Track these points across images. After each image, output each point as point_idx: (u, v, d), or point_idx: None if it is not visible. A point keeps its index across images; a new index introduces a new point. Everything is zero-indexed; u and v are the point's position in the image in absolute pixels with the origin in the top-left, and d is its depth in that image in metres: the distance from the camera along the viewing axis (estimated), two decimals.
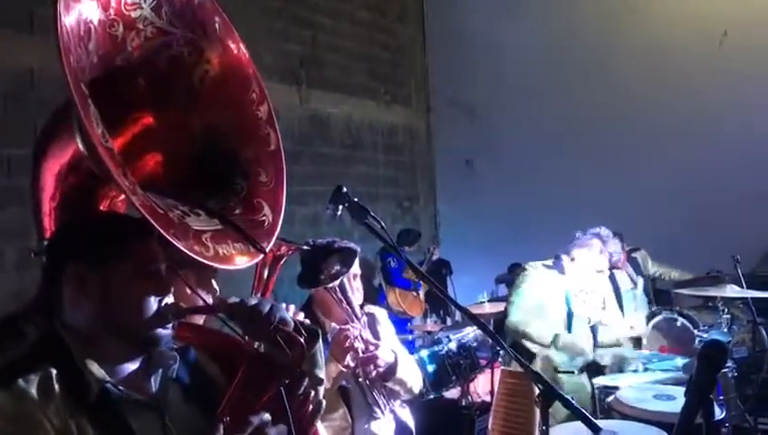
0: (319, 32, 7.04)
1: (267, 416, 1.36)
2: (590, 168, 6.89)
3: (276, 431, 1.37)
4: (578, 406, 1.78)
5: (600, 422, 2.49)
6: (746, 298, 4.18)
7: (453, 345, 4.56)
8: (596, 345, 4.18)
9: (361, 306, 2.70)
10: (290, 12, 6.70)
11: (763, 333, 4.26)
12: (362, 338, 2.55)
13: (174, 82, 1.62)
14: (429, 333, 5.93)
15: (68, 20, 1.29)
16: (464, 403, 4.77)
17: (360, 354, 2.53)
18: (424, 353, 4.50)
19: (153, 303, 1.37)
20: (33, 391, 1.24)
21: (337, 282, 2.52)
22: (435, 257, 7.22)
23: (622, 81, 6.92)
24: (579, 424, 1.81)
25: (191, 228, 1.46)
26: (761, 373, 4.28)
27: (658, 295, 5.86)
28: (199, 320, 1.75)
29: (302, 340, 1.45)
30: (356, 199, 1.92)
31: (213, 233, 1.50)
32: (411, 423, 2.73)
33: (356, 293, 2.64)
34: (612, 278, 5.41)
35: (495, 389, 3.68)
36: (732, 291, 4.23)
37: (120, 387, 1.34)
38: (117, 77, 1.49)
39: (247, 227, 1.60)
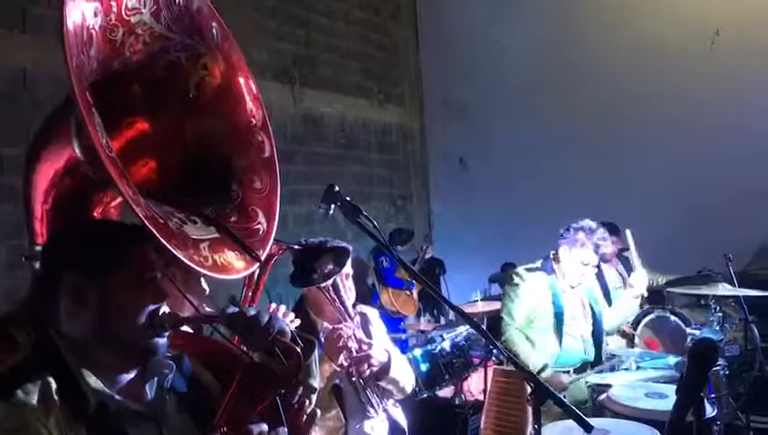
0: (312, 31, 7.03)
1: (265, 426, 1.37)
2: (582, 167, 6.90)
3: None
4: (570, 405, 1.79)
5: (592, 420, 2.50)
6: (738, 296, 4.20)
7: (446, 344, 4.56)
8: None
9: (353, 306, 2.70)
10: (283, 10, 6.69)
11: (755, 331, 4.27)
12: (356, 337, 2.55)
13: (170, 88, 1.62)
14: (423, 332, 5.94)
15: (72, 26, 1.29)
16: (457, 402, 4.78)
17: (354, 354, 2.54)
18: (417, 352, 4.51)
19: (150, 311, 1.37)
20: (34, 402, 1.24)
21: (330, 281, 2.52)
22: (427, 256, 7.22)
23: (615, 80, 6.93)
24: (571, 422, 1.82)
25: (190, 237, 1.47)
26: (752, 371, 4.30)
27: (650, 294, 5.87)
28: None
29: (299, 350, 1.45)
30: (348, 198, 1.92)
31: (210, 242, 1.50)
32: (404, 422, 2.74)
33: (348, 292, 2.65)
34: (600, 274, 5.43)
35: (488, 388, 3.69)
36: (724, 289, 4.26)
37: (118, 397, 1.34)
38: (114, 82, 1.49)
39: (243, 235, 1.60)
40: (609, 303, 5.34)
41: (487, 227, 7.43)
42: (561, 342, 3.92)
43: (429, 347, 4.63)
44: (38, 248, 1.54)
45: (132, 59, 1.50)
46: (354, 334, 2.55)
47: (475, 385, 5.05)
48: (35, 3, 4.20)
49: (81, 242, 1.38)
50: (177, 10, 1.55)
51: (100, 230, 1.47)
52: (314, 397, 1.58)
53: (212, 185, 1.66)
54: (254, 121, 1.73)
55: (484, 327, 2.74)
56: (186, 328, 1.68)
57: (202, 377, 1.53)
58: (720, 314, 4.59)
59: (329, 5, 7.31)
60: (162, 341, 1.39)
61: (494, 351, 4.09)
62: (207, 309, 1.78)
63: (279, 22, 6.63)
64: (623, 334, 5.13)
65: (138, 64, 1.52)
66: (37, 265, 1.47)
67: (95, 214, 1.58)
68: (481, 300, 5.50)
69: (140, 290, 1.37)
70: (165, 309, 1.40)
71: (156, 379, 1.41)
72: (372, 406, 2.58)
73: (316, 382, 1.61)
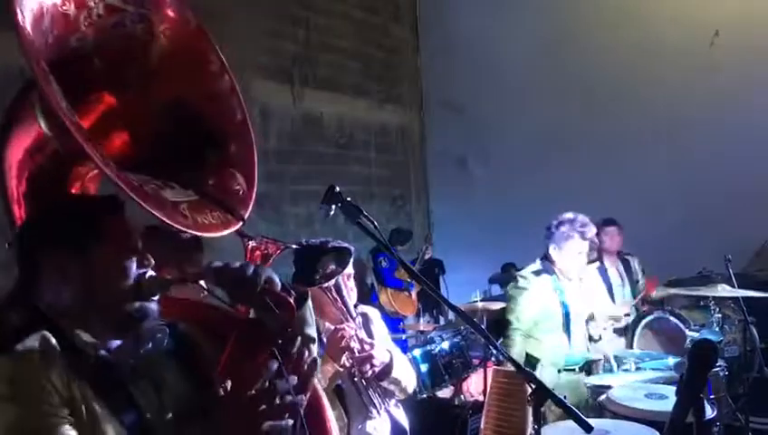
0: (312, 31, 7.03)
1: (274, 366, 1.35)
2: (581, 167, 6.91)
3: (287, 383, 1.35)
4: (570, 405, 1.79)
5: (592, 421, 2.50)
6: (737, 298, 4.20)
7: (446, 345, 4.57)
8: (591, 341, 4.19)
9: (355, 306, 2.70)
10: (283, 10, 6.69)
11: (754, 332, 4.28)
12: (358, 338, 2.55)
13: (130, 60, 1.60)
14: (422, 332, 5.94)
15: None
16: (456, 402, 4.78)
17: (356, 354, 2.54)
18: (417, 353, 4.51)
19: (135, 276, 1.37)
20: (34, 354, 1.23)
21: (332, 281, 2.52)
22: (427, 257, 7.22)
23: (615, 81, 6.94)
24: (571, 423, 1.82)
25: (168, 200, 1.46)
26: (752, 372, 4.31)
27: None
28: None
29: (290, 300, 1.44)
30: (349, 199, 1.92)
31: (189, 203, 1.50)
32: (406, 423, 2.74)
33: (350, 292, 2.65)
34: (603, 270, 5.45)
35: (488, 388, 3.69)
36: (723, 290, 4.26)
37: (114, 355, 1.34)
38: (72, 59, 1.47)
39: (222, 196, 1.60)
40: (613, 299, 5.39)
41: (487, 227, 7.43)
42: (570, 340, 3.93)
43: (429, 347, 4.64)
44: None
45: (88, 34, 1.49)
46: (356, 335, 2.55)
47: (475, 386, 5.05)
48: None
49: (55, 221, 1.38)
50: None
51: (73, 206, 1.47)
52: (314, 346, 1.57)
53: (186, 152, 1.65)
54: (222, 86, 1.72)
55: (483, 327, 2.74)
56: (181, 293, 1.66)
57: (198, 342, 1.52)
58: (719, 316, 4.59)
59: (329, 6, 7.31)
60: (152, 306, 1.38)
61: (494, 351, 4.09)
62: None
63: (279, 22, 6.63)
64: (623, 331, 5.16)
65: (94, 38, 1.51)
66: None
67: (72, 190, 1.56)
68: (480, 300, 5.51)
69: (122, 257, 1.36)
70: (150, 273, 1.40)
71: (150, 345, 1.40)
72: (374, 406, 2.58)
73: (313, 331, 1.58)
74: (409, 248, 7.31)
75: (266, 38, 6.47)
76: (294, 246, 2.51)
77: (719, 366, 3.70)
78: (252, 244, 2.33)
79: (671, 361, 3.98)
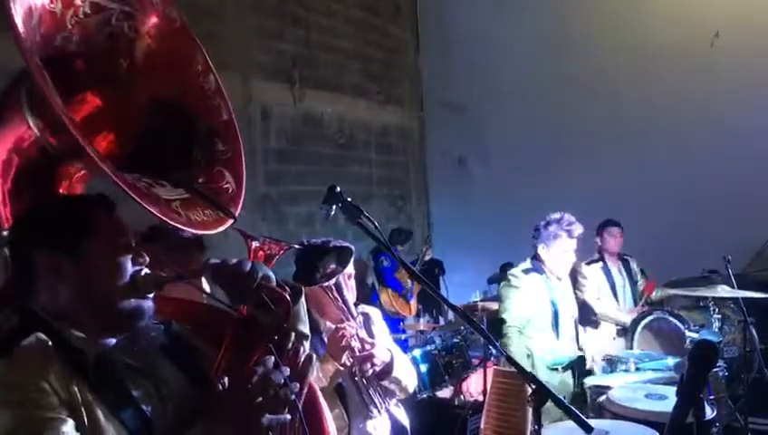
0: (312, 31, 7.04)
1: (270, 362, 1.35)
2: (581, 167, 6.91)
3: (281, 374, 1.35)
4: (570, 406, 1.79)
5: (592, 422, 2.50)
6: (737, 298, 4.20)
7: (445, 345, 4.57)
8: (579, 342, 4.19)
9: (355, 305, 2.70)
10: (284, 11, 6.70)
11: (754, 332, 4.28)
12: (358, 337, 2.55)
13: (116, 59, 1.61)
14: (422, 332, 5.95)
15: None
16: (456, 403, 4.78)
17: (357, 353, 2.54)
18: (417, 353, 4.52)
19: (130, 274, 1.37)
20: (31, 356, 1.23)
21: (333, 281, 2.52)
22: (427, 258, 7.23)
23: (614, 81, 6.94)
24: (571, 424, 1.82)
25: (160, 197, 1.47)
26: (751, 373, 4.31)
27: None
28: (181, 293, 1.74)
29: (286, 296, 1.45)
30: (349, 199, 1.93)
31: (181, 201, 1.51)
32: (406, 422, 2.74)
33: (351, 292, 2.65)
34: (606, 270, 5.47)
35: (488, 388, 3.69)
36: (723, 291, 4.26)
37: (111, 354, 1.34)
38: (58, 58, 1.47)
39: (212, 194, 1.61)
40: (617, 299, 5.41)
41: (486, 227, 7.43)
42: (558, 338, 3.96)
43: (429, 347, 4.64)
44: (5, 234, 1.52)
45: (73, 32, 1.49)
46: (357, 334, 2.55)
47: (475, 386, 5.05)
48: None
49: (47, 221, 1.37)
50: None
51: (65, 205, 1.47)
52: (307, 343, 1.57)
53: (174, 151, 1.66)
54: (207, 85, 1.72)
55: (483, 327, 2.73)
56: (176, 292, 1.66)
57: (194, 340, 1.53)
58: (719, 316, 4.59)
59: (329, 6, 7.32)
60: (147, 304, 1.38)
61: (494, 351, 4.10)
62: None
63: (279, 22, 6.64)
64: (623, 332, 5.17)
65: (80, 38, 1.51)
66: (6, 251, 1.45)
67: (60, 189, 1.56)
68: (480, 300, 5.51)
69: (116, 255, 1.36)
70: (145, 270, 1.40)
71: (145, 342, 1.41)
72: (375, 406, 2.58)
73: (306, 328, 1.59)
74: (409, 249, 7.31)
75: (267, 39, 6.48)
76: (297, 247, 2.52)
77: (719, 367, 3.71)
78: (255, 244, 2.33)
79: (671, 361, 3.98)
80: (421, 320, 6.93)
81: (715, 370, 3.63)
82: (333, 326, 2.58)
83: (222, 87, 1.73)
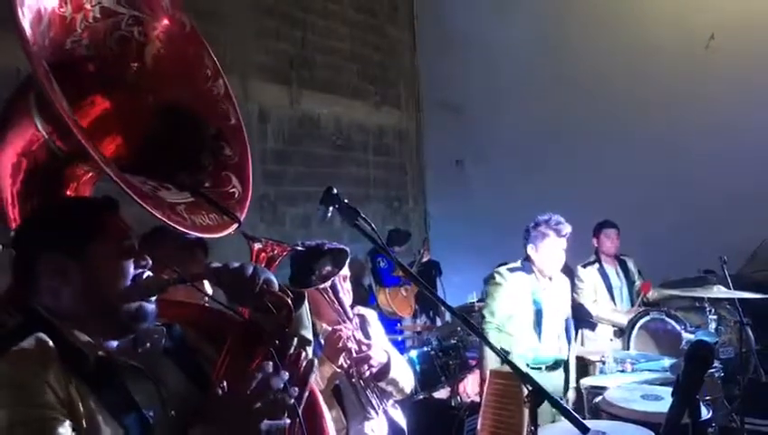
0: (309, 32, 7.04)
1: (269, 368, 1.35)
2: (578, 168, 6.93)
3: (281, 379, 1.35)
4: (567, 406, 1.80)
5: (588, 422, 2.50)
6: (733, 299, 4.21)
7: (442, 346, 4.58)
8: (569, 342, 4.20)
9: (351, 307, 2.70)
10: (281, 12, 6.70)
11: (750, 333, 4.29)
12: (355, 338, 2.55)
13: (125, 64, 1.61)
14: (419, 333, 5.96)
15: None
16: (453, 403, 4.79)
17: (354, 355, 2.54)
18: (413, 354, 4.52)
19: (134, 277, 1.37)
20: (30, 356, 1.23)
21: (328, 283, 2.52)
22: (425, 259, 7.23)
23: (611, 83, 6.96)
24: (567, 424, 1.82)
25: (165, 201, 1.48)
26: (747, 374, 4.32)
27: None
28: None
29: (288, 301, 1.45)
30: (346, 201, 1.93)
31: (186, 205, 1.51)
32: (404, 424, 2.74)
33: (346, 294, 2.65)
34: (603, 272, 5.48)
35: (484, 389, 3.70)
36: (719, 292, 4.27)
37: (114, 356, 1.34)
38: (67, 62, 1.48)
39: (218, 198, 1.61)
40: (614, 300, 5.42)
41: (483, 228, 7.43)
42: (540, 337, 3.96)
43: (425, 348, 4.65)
44: (12, 234, 1.53)
45: (83, 36, 1.49)
46: (354, 335, 2.55)
47: (472, 386, 5.06)
48: None
49: (53, 222, 1.38)
50: None
51: (70, 208, 1.47)
52: (310, 349, 1.57)
53: (181, 155, 1.66)
54: (216, 90, 1.73)
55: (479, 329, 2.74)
56: (178, 295, 1.66)
57: (195, 343, 1.53)
58: (715, 317, 4.60)
59: (326, 7, 7.32)
60: (150, 307, 1.39)
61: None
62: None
63: (277, 23, 6.64)
64: (619, 332, 5.19)
65: (90, 42, 1.51)
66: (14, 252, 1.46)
67: (68, 191, 1.56)
68: (477, 301, 5.52)
69: (120, 257, 1.37)
70: (148, 273, 1.40)
71: (148, 344, 1.41)
72: (372, 407, 2.58)
73: (309, 333, 1.59)
74: (407, 251, 7.31)
75: (264, 40, 6.48)
76: (300, 248, 2.52)
77: (715, 367, 3.72)
78: (257, 246, 2.34)
79: (667, 362, 3.99)
80: (418, 321, 6.94)
81: (711, 371, 3.63)
82: (330, 328, 2.58)
83: (231, 91, 1.74)
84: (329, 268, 2.53)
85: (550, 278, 4.06)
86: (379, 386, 2.64)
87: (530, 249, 4.03)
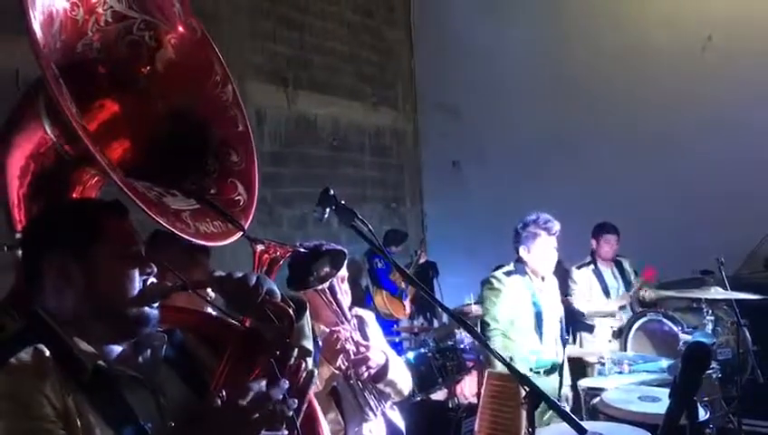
0: (306, 33, 7.04)
1: (264, 382, 1.35)
2: (575, 170, 6.92)
3: (280, 389, 1.35)
4: (564, 408, 1.80)
5: (586, 424, 2.50)
6: (730, 300, 4.22)
7: (439, 347, 4.57)
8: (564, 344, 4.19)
9: (349, 309, 2.70)
10: (278, 13, 6.69)
11: (747, 334, 4.29)
12: (353, 340, 2.55)
13: (136, 68, 1.61)
14: (416, 334, 5.95)
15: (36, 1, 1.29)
16: (450, 405, 4.78)
17: (352, 356, 2.53)
18: (410, 355, 4.51)
19: (138, 283, 1.37)
20: (28, 367, 1.23)
21: (326, 284, 2.52)
22: (422, 261, 7.23)
23: (608, 84, 6.96)
24: (564, 426, 1.82)
25: (170, 207, 1.48)
26: (744, 375, 4.32)
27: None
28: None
29: (290, 311, 1.44)
30: (343, 202, 1.92)
31: (191, 212, 1.52)
32: (402, 425, 2.74)
33: (344, 295, 2.64)
34: (598, 273, 5.49)
35: (482, 391, 3.69)
36: (716, 293, 4.28)
37: (113, 365, 1.33)
38: (78, 65, 1.48)
39: (223, 206, 1.61)
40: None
41: (480, 229, 7.42)
42: (541, 339, 3.95)
43: (422, 350, 4.64)
44: (18, 236, 1.53)
45: (95, 40, 1.49)
46: (351, 337, 2.54)
47: (469, 388, 5.05)
48: None
49: (60, 224, 1.38)
50: None
51: (77, 209, 1.47)
52: (310, 359, 1.57)
53: (188, 160, 1.67)
54: (225, 96, 1.73)
55: (477, 330, 2.73)
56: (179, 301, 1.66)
57: (196, 350, 1.52)
58: (712, 318, 4.60)
59: (323, 8, 7.31)
60: (153, 312, 1.38)
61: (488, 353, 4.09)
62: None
63: (273, 24, 6.63)
64: (618, 333, 5.19)
65: (101, 45, 1.52)
66: (19, 253, 1.46)
67: (74, 195, 1.57)
68: (474, 303, 5.52)
69: (125, 262, 1.36)
70: (152, 279, 1.40)
71: (149, 351, 1.40)
72: (371, 408, 2.58)
73: (310, 344, 1.59)
74: (404, 252, 7.30)
75: (261, 41, 6.46)
76: (302, 250, 2.51)
77: (712, 368, 3.72)
78: (260, 248, 2.33)
79: (664, 363, 3.99)
80: (415, 322, 6.93)
81: (709, 372, 3.63)
82: (328, 330, 2.58)
83: (239, 98, 1.74)
84: (327, 269, 2.53)
85: (543, 278, 4.05)
86: (377, 387, 2.63)
87: (522, 251, 4.01)
